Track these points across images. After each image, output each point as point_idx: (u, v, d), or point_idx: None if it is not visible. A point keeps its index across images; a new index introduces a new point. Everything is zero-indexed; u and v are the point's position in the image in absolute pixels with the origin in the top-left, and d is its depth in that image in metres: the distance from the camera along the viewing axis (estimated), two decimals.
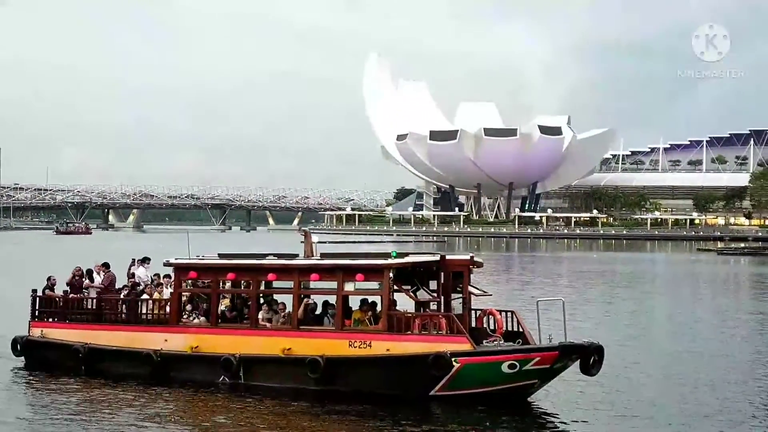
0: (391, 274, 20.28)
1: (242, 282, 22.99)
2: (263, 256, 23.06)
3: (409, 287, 21.14)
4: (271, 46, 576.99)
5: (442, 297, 21.80)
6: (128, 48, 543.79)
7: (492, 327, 21.54)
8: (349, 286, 20.98)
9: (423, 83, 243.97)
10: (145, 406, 20.37)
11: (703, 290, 58.19)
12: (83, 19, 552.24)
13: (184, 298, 23.58)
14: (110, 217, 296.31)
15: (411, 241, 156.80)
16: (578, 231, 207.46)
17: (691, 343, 30.80)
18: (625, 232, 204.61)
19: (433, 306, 21.65)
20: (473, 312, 22.13)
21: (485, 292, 22.48)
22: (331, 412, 19.45)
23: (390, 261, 20.45)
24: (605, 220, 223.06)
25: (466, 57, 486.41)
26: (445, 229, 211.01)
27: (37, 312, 25.81)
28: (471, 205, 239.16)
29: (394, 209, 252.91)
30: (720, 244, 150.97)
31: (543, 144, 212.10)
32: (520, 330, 21.32)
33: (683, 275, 74.31)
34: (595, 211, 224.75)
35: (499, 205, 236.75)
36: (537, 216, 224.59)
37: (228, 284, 23.07)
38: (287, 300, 22.64)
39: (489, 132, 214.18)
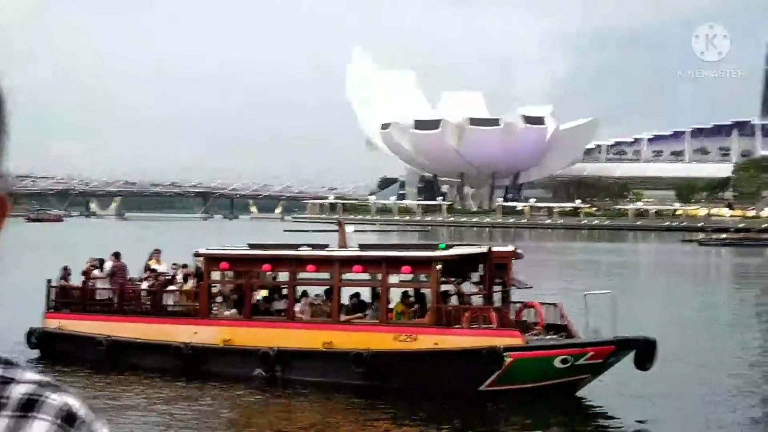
0: (438, 267, 19.66)
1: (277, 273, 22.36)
2: (297, 246, 22.43)
3: (453, 279, 20.51)
4: (255, 33, 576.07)
5: (489, 290, 21.18)
6: (112, 33, 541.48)
7: (533, 320, 21.00)
8: (393, 279, 20.39)
9: (408, 71, 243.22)
10: (177, 400, 19.77)
11: (710, 282, 58.08)
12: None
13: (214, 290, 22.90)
14: (92, 205, 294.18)
15: (394, 231, 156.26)
16: (561, 221, 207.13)
17: (732, 336, 30.53)
18: (607, 222, 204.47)
19: (477, 299, 21.07)
20: (513, 304, 21.56)
21: (526, 284, 21.90)
22: (376, 407, 18.92)
23: (439, 253, 19.86)
24: (588, 210, 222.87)
25: (454, 45, 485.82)
26: (428, 218, 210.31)
27: (52, 303, 24.99)
28: (454, 195, 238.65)
29: (377, 198, 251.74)
30: (702, 235, 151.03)
31: (527, 134, 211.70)
32: (564, 323, 20.73)
33: (680, 266, 74.16)
34: (578, 201, 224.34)
35: (482, 194, 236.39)
36: (520, 206, 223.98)
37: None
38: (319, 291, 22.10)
39: (473, 121, 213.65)
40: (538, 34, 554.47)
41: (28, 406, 1.19)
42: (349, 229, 22.67)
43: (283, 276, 22.48)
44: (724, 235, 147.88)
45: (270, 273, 22.55)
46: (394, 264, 20.16)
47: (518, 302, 21.55)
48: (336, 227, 23.58)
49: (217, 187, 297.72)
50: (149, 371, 22.06)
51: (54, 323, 24.51)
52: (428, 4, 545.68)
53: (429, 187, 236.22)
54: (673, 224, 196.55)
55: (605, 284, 49.14)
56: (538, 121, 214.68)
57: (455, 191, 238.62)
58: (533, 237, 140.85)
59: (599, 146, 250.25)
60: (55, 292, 25.12)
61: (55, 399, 1.19)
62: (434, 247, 20.36)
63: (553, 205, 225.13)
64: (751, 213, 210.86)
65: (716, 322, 34.88)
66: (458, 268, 20.62)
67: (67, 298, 25.32)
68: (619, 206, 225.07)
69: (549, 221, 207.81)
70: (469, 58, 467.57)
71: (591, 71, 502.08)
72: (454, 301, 20.71)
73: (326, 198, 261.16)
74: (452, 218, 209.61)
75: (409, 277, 20.83)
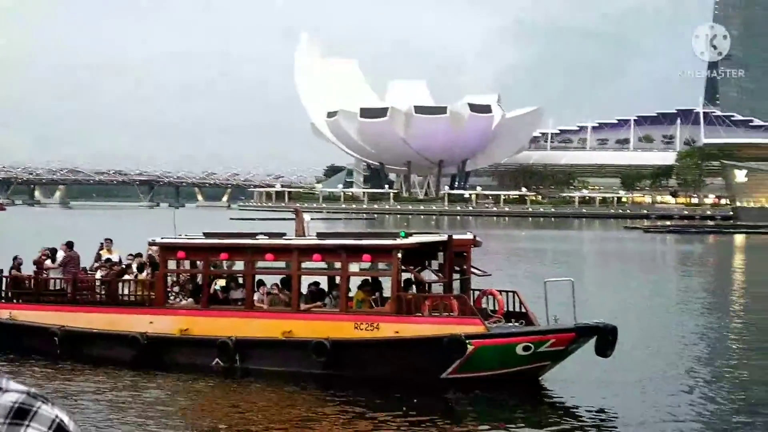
0: (399, 255, 19.59)
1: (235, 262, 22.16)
2: (254, 235, 22.23)
3: (413, 267, 20.44)
4: (201, 22, 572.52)
5: (449, 278, 21.11)
6: (53, 26, 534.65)
7: (492, 307, 21.01)
8: (353, 267, 20.28)
9: (353, 60, 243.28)
10: (133, 391, 19.52)
11: (657, 269, 58.70)
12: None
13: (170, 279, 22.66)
14: (36, 193, 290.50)
15: (341, 219, 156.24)
16: (507, 209, 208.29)
17: (684, 322, 30.89)
18: (553, 210, 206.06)
19: (437, 287, 21.02)
20: (472, 292, 21.54)
21: (485, 272, 21.92)
22: (337, 396, 18.81)
23: (400, 241, 19.77)
24: (534, 197, 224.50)
25: (400, 34, 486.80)
26: (375, 206, 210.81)
27: (3, 293, 24.61)
28: (401, 183, 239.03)
29: (323, 186, 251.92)
30: (646, 222, 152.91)
31: (473, 122, 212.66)
32: (523, 311, 20.80)
33: (627, 253, 74.88)
34: (523, 189, 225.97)
35: (428, 182, 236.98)
36: (466, 194, 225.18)
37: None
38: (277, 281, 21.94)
39: (419, 109, 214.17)
40: (485, 26, 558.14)
41: (21, 415, 1.17)
42: (306, 217, 22.50)
43: (241, 265, 22.37)
44: (668, 223, 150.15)
45: (227, 262, 22.39)
46: (355, 252, 20.03)
47: (477, 290, 21.53)
48: (292, 215, 23.43)
49: (162, 175, 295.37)
50: (105, 362, 21.74)
51: (5, 314, 24.10)
52: None
53: (376, 175, 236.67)
54: (619, 211, 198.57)
55: (554, 272, 49.72)
56: (485, 109, 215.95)
57: (402, 179, 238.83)
58: (480, 225, 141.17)
59: (545, 134, 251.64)
60: (6, 282, 24.73)
61: (48, 411, 1.18)
62: (395, 236, 20.23)
63: (500, 193, 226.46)
64: (694, 200, 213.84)
65: (666, 308, 35.27)
66: (418, 256, 20.59)
67: (18, 288, 24.91)
68: (565, 194, 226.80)
69: (495, 209, 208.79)
70: (412, 49, 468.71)
71: (534, 63, 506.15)
72: (413, 289, 20.69)
73: (273, 186, 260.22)
74: (399, 206, 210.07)
75: (368, 265, 20.74)
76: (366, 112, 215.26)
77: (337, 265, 20.41)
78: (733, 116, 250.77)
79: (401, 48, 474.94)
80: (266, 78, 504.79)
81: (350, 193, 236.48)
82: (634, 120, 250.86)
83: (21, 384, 1.24)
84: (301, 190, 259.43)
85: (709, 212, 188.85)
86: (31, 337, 23.31)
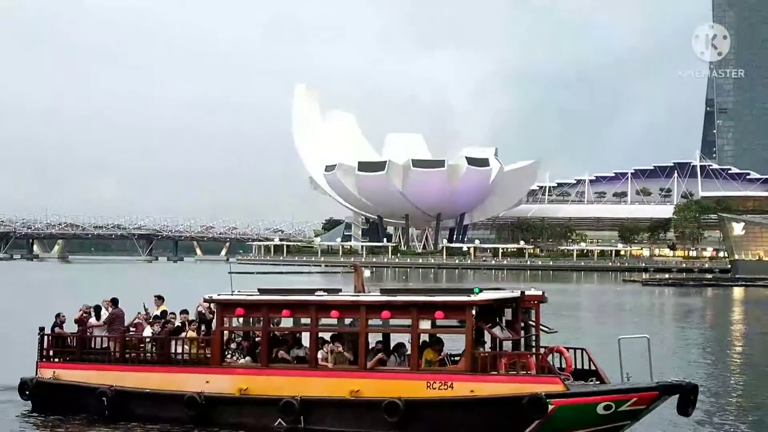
0: (474, 312, 19.12)
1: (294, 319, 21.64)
2: (312, 291, 21.73)
3: (484, 324, 19.90)
4: (197, 74, 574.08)
5: (520, 335, 20.59)
6: (52, 73, 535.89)
7: (559, 365, 20.48)
8: (424, 324, 19.75)
9: (350, 114, 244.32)
10: None
11: (676, 321, 58.32)
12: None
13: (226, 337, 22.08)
14: (35, 248, 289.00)
15: (339, 272, 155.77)
16: (505, 262, 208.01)
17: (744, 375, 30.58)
18: (551, 263, 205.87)
19: (508, 344, 20.49)
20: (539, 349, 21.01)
21: (552, 329, 21.43)
22: None
23: (474, 298, 19.29)
24: (532, 251, 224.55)
25: (394, 86, 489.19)
26: (374, 259, 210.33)
27: (45, 351, 23.99)
28: (399, 236, 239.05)
29: (322, 240, 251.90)
30: (645, 276, 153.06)
31: (470, 175, 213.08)
32: (593, 368, 20.28)
33: (633, 306, 74.56)
34: (522, 242, 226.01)
35: (427, 236, 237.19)
36: (464, 247, 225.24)
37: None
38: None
39: (417, 163, 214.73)
40: (474, 79, 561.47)
41: None
42: (366, 272, 22.03)
43: (289, 322, 21.89)
44: (667, 276, 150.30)
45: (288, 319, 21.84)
46: (427, 309, 19.56)
47: (543, 347, 21.04)
48: (351, 270, 22.93)
49: (161, 229, 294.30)
50: (157, 423, 21.16)
51: (48, 373, 23.52)
52: (365, 48, 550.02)
53: (374, 229, 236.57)
54: (617, 264, 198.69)
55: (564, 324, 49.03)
56: (482, 162, 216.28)
57: (400, 233, 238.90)
58: (478, 278, 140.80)
59: (542, 188, 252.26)
60: (47, 341, 24.14)
61: None
62: (468, 292, 19.76)
63: (498, 246, 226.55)
64: (692, 253, 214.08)
65: (707, 362, 34.78)
66: (489, 312, 20.09)
67: (61, 346, 24.30)
68: (563, 247, 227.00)
69: (494, 262, 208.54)
70: (406, 101, 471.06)
71: (528, 113, 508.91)
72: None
73: (271, 240, 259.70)
74: (397, 259, 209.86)
75: (455, 322, 20.17)
76: (364, 166, 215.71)
77: (406, 322, 19.86)
78: (729, 169, 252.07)
79: (395, 99, 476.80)
80: (264, 131, 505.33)
81: (348, 247, 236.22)
82: (632, 173, 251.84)
83: None
84: (299, 243, 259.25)
85: (707, 265, 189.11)
86: (78, 397, 22.67)
